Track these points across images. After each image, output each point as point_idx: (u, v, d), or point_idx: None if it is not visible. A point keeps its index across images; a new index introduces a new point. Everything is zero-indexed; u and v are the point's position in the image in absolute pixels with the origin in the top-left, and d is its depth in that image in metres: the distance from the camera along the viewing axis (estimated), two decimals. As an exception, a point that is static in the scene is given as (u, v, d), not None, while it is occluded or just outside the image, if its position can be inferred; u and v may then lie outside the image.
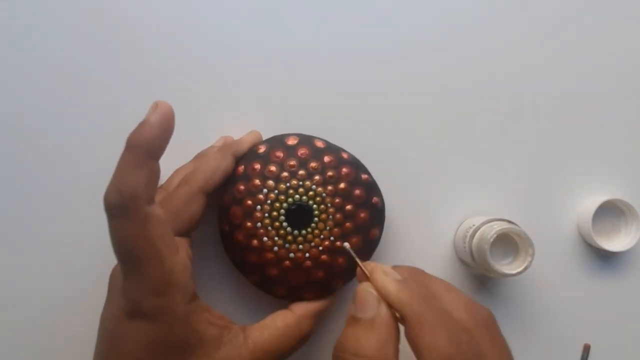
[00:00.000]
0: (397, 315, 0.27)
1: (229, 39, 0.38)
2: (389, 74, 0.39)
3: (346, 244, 0.33)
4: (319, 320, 0.34)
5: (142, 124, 0.27)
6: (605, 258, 0.39)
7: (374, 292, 0.28)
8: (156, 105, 0.27)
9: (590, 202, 0.38)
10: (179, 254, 0.28)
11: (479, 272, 0.38)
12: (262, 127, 0.37)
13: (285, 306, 0.34)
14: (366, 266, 0.30)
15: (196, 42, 0.38)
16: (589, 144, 0.40)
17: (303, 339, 0.32)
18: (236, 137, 0.37)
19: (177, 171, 0.35)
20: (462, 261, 0.38)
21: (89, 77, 0.38)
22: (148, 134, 0.26)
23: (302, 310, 0.33)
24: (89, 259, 0.37)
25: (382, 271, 0.29)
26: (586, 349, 0.38)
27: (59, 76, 0.38)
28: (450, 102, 0.39)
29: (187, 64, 0.38)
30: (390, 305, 0.27)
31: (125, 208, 0.25)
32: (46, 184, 0.38)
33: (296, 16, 0.38)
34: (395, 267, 0.30)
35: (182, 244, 0.31)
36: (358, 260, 0.31)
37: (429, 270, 0.38)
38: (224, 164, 0.33)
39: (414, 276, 0.30)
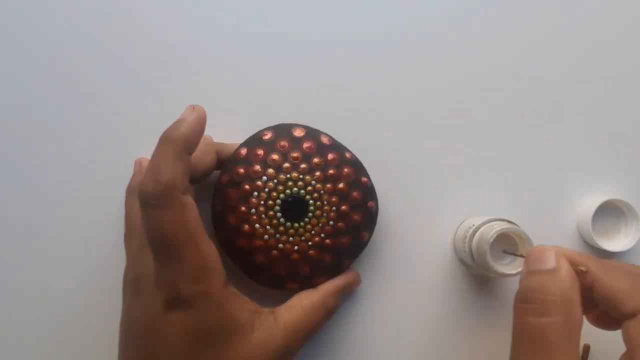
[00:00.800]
0: (580, 269, 0.28)
1: (230, 37, 0.38)
2: (389, 74, 0.39)
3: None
4: (342, 296, 0.35)
5: (180, 121, 0.29)
6: (604, 258, 0.39)
7: (552, 248, 0.28)
8: (193, 107, 0.30)
9: (590, 202, 0.38)
10: (211, 243, 0.29)
11: (479, 272, 0.38)
12: (262, 122, 0.37)
13: (269, 295, 0.35)
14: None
15: (195, 40, 0.38)
16: (589, 144, 0.40)
17: (329, 314, 0.34)
18: (232, 137, 0.37)
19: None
20: (462, 261, 0.38)
21: (88, 77, 0.38)
22: (186, 129, 0.29)
23: (326, 287, 0.34)
24: (88, 258, 0.37)
25: (560, 249, 0.29)
26: (586, 349, 0.38)
27: (56, 75, 0.38)
28: (450, 102, 0.39)
29: (184, 62, 0.38)
30: (571, 262, 0.28)
31: (165, 197, 0.27)
32: (45, 184, 0.38)
33: (305, 16, 0.39)
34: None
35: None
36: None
37: (428, 270, 0.38)
38: (207, 156, 0.34)
39: (612, 266, 0.29)
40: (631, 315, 0.26)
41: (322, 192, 0.33)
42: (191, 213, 0.28)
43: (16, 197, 0.37)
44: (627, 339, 0.26)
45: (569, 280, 0.27)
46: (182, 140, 0.28)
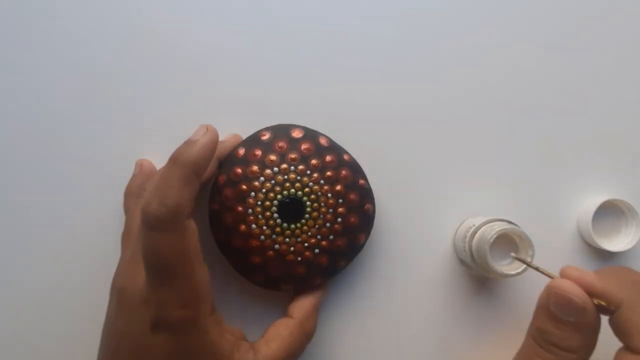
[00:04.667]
0: (601, 303, 0.27)
1: (230, 36, 0.38)
2: (387, 75, 0.39)
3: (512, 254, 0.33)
4: (317, 314, 0.35)
5: (192, 143, 0.28)
6: (605, 258, 0.39)
7: (577, 292, 0.27)
8: (206, 128, 0.29)
9: (590, 202, 0.38)
10: (204, 268, 0.29)
11: (479, 273, 0.38)
12: (262, 123, 0.37)
13: (263, 293, 0.34)
14: (549, 273, 0.30)
15: (195, 40, 0.38)
16: (589, 144, 0.39)
17: (308, 337, 0.33)
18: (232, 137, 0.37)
19: (157, 173, 0.35)
20: (462, 261, 0.38)
21: (87, 77, 0.38)
22: (198, 153, 0.28)
23: (301, 313, 0.33)
24: (87, 258, 0.37)
25: (572, 268, 0.29)
26: (586, 349, 0.38)
27: (55, 76, 0.38)
28: (450, 102, 0.39)
29: (184, 62, 0.38)
30: (593, 295, 0.27)
31: (169, 222, 0.26)
32: (44, 185, 0.38)
33: (306, 16, 0.39)
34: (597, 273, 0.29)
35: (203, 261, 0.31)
36: (543, 270, 0.31)
37: (428, 270, 0.38)
38: (210, 168, 0.33)
39: (606, 269, 0.29)
40: (636, 351, 0.26)
41: (319, 193, 0.33)
42: (191, 239, 0.28)
43: (15, 197, 0.37)
44: (619, 326, 0.26)
45: (591, 331, 0.27)
46: (193, 164, 0.28)
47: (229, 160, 0.34)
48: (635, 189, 0.39)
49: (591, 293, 0.27)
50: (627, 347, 0.26)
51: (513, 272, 0.34)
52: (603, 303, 0.27)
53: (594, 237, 0.37)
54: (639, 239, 0.37)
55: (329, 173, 0.34)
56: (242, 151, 0.34)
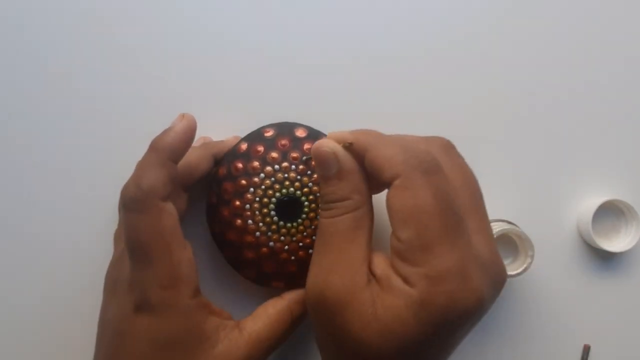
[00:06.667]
0: (348, 144, 0.29)
1: (230, 35, 0.38)
2: (389, 76, 0.39)
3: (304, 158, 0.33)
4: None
5: (169, 130, 0.30)
6: (605, 258, 0.39)
7: (330, 146, 0.29)
8: (182, 116, 0.31)
9: (590, 203, 0.38)
10: (186, 250, 0.30)
11: (479, 273, 0.38)
12: (264, 121, 0.37)
13: (254, 289, 0.35)
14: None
15: (196, 40, 0.38)
16: (589, 144, 0.39)
17: (295, 323, 0.33)
18: (216, 137, 0.37)
19: None
20: (462, 261, 0.38)
21: (87, 77, 0.38)
22: (173, 139, 0.30)
23: (292, 295, 0.33)
24: (87, 258, 0.37)
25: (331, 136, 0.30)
26: (586, 350, 0.38)
27: (54, 75, 0.38)
28: (450, 102, 0.39)
29: (185, 62, 0.38)
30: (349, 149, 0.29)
31: (143, 202, 0.28)
32: (44, 185, 0.38)
33: (308, 16, 0.39)
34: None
35: (187, 244, 0.31)
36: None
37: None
38: (205, 161, 0.34)
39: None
40: (388, 183, 0.27)
41: (317, 194, 0.33)
42: (168, 220, 0.29)
43: (13, 197, 0.37)
44: (387, 207, 0.27)
45: (355, 177, 0.29)
46: (168, 149, 0.29)
47: (230, 154, 0.34)
48: (635, 189, 0.39)
49: (341, 141, 0.29)
50: (380, 182, 0.27)
51: (513, 273, 0.34)
52: (349, 143, 0.29)
53: (594, 237, 0.37)
54: (639, 239, 0.37)
55: None
56: (244, 146, 0.34)
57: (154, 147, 0.30)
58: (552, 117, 0.39)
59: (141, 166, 0.29)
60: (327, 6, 0.39)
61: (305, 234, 0.33)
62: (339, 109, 0.38)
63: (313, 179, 0.33)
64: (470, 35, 0.39)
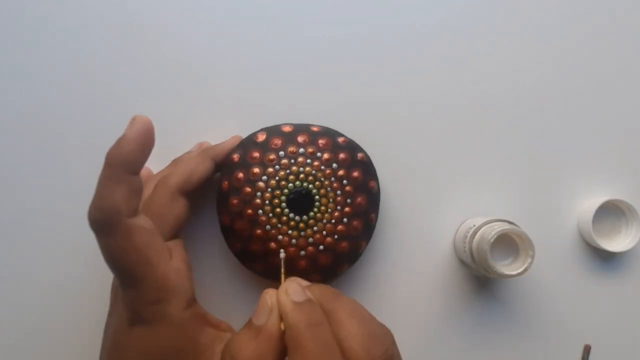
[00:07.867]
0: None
1: (231, 35, 0.38)
2: (391, 76, 0.39)
3: (282, 254, 0.32)
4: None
5: (120, 140, 0.26)
6: (605, 258, 0.39)
7: (272, 302, 0.27)
8: (133, 119, 0.27)
9: (591, 203, 0.38)
10: (172, 260, 0.29)
11: (479, 273, 0.38)
12: (254, 125, 0.37)
13: (262, 282, 0.34)
14: (287, 280, 0.29)
15: (195, 40, 0.38)
16: (589, 144, 0.39)
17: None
18: (215, 140, 0.37)
19: (152, 177, 0.35)
20: (462, 261, 0.38)
21: (86, 77, 0.38)
22: (125, 149, 0.26)
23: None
24: (86, 264, 0.37)
25: (290, 288, 0.27)
26: (586, 350, 0.38)
27: (53, 76, 0.38)
28: (450, 102, 0.39)
29: (184, 63, 0.38)
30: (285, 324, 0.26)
31: (108, 224, 0.26)
32: (43, 186, 0.38)
33: (313, 16, 0.38)
34: (310, 286, 0.28)
35: (176, 247, 0.31)
36: (282, 272, 0.31)
37: (428, 270, 0.38)
38: (202, 166, 0.33)
39: (322, 297, 0.28)
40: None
41: (328, 189, 0.33)
42: (141, 236, 0.27)
43: (12, 198, 0.37)
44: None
45: (265, 346, 0.26)
46: (123, 162, 0.26)
47: (247, 142, 0.35)
48: (636, 189, 0.39)
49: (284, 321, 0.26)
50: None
51: (513, 273, 0.34)
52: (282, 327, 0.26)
53: (594, 237, 0.37)
54: (639, 239, 0.37)
55: (341, 172, 0.34)
56: (262, 136, 0.34)
57: (108, 162, 0.26)
58: (553, 117, 0.39)
59: (99, 185, 0.26)
60: (327, 6, 0.39)
61: (315, 229, 0.33)
62: (339, 111, 0.38)
63: (326, 173, 0.33)
64: (470, 36, 0.39)
